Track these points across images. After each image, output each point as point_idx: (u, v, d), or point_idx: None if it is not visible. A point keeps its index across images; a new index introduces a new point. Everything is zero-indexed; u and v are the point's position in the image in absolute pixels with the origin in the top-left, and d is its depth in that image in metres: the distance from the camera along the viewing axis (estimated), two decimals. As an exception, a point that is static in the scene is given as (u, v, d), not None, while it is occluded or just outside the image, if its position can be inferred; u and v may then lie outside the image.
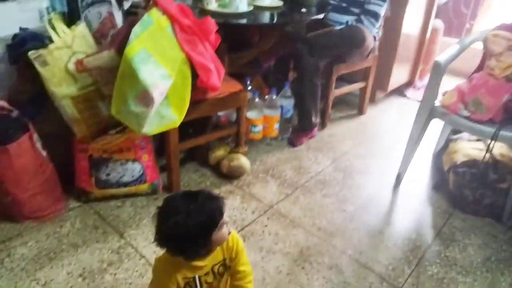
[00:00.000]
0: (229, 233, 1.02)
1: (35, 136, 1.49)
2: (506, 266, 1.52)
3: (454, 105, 1.66)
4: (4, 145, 1.38)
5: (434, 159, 2.11)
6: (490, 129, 1.56)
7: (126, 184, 1.70)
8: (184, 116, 1.44)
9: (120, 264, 1.43)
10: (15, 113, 1.48)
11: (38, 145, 1.51)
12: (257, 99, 2.11)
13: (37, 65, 1.38)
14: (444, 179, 1.90)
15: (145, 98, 1.23)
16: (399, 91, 3.04)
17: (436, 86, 1.71)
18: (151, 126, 1.34)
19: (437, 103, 1.73)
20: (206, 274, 1.04)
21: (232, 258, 1.08)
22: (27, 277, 1.35)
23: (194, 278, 1.02)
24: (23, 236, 1.52)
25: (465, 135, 1.93)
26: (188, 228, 0.91)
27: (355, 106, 2.75)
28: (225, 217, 0.99)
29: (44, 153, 1.54)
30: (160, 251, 1.02)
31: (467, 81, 1.71)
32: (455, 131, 2.01)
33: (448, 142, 1.98)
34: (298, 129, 2.32)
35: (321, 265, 1.47)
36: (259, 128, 2.17)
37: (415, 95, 2.96)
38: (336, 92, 2.41)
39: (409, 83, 3.04)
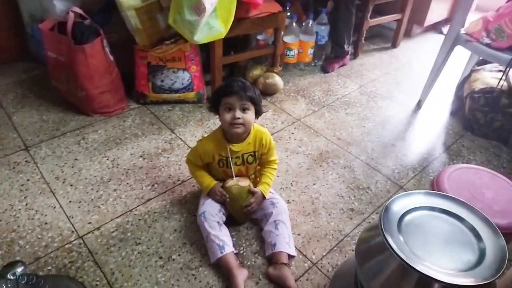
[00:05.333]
0: (236, 118, 1.23)
1: (105, 41, 1.78)
2: (502, 179, 1.72)
3: (478, 33, 1.78)
4: (81, 45, 1.69)
5: (457, 89, 2.25)
6: (507, 56, 1.69)
7: (176, 91, 2.00)
8: (228, 29, 1.67)
9: (172, 151, 1.76)
10: (87, 21, 1.77)
11: (107, 50, 1.81)
12: (294, 24, 2.29)
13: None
14: (462, 105, 2.06)
15: (198, 8, 1.46)
16: (437, 28, 3.08)
17: (464, 14, 1.82)
18: (202, 35, 1.60)
19: (462, 31, 1.85)
20: (237, 157, 1.35)
21: (264, 152, 1.38)
22: (99, 154, 1.72)
23: (227, 157, 1.32)
24: (94, 126, 1.88)
25: (487, 66, 2.05)
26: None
27: (389, 40, 2.86)
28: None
29: (111, 57, 1.84)
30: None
31: (494, 11, 1.80)
32: (480, 63, 2.12)
33: (471, 72, 2.11)
34: (331, 56, 2.50)
35: (336, 165, 1.74)
36: (294, 52, 2.36)
37: (452, 32, 3.00)
38: (371, 22, 2.52)
39: (448, 20, 3.06)
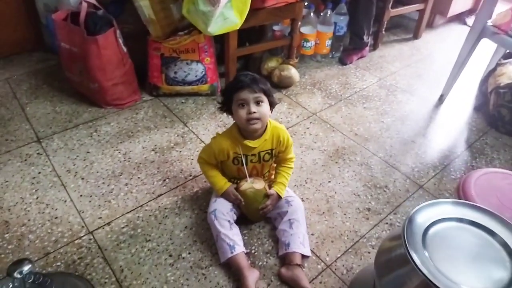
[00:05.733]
0: (251, 112, 1.17)
1: (118, 33, 1.74)
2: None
3: (506, 24, 1.68)
4: (94, 36, 1.66)
5: (481, 83, 2.15)
6: (538, 50, 1.59)
7: (190, 83, 1.95)
8: (244, 19, 1.62)
9: (184, 145, 1.72)
10: (100, 11, 1.73)
11: (120, 41, 1.77)
12: (311, 15, 2.21)
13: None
14: (486, 101, 1.97)
15: (212, -2, 1.41)
16: (461, 19, 2.95)
17: (492, 4, 1.72)
18: (216, 26, 1.54)
19: (489, 22, 1.75)
20: (253, 155, 1.29)
21: (281, 150, 1.32)
22: (111, 147, 1.69)
23: (242, 154, 1.27)
24: (107, 118, 1.86)
25: (515, 59, 1.94)
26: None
27: (411, 30, 2.75)
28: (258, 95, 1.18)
29: (125, 49, 1.81)
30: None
31: (526, 2, 1.70)
32: (506, 56, 2.01)
33: (497, 66, 2.00)
34: (349, 48, 2.41)
35: (353, 162, 1.68)
36: (311, 43, 2.29)
37: (477, 23, 2.87)
38: (392, 12, 2.42)
39: (472, 11, 2.93)
